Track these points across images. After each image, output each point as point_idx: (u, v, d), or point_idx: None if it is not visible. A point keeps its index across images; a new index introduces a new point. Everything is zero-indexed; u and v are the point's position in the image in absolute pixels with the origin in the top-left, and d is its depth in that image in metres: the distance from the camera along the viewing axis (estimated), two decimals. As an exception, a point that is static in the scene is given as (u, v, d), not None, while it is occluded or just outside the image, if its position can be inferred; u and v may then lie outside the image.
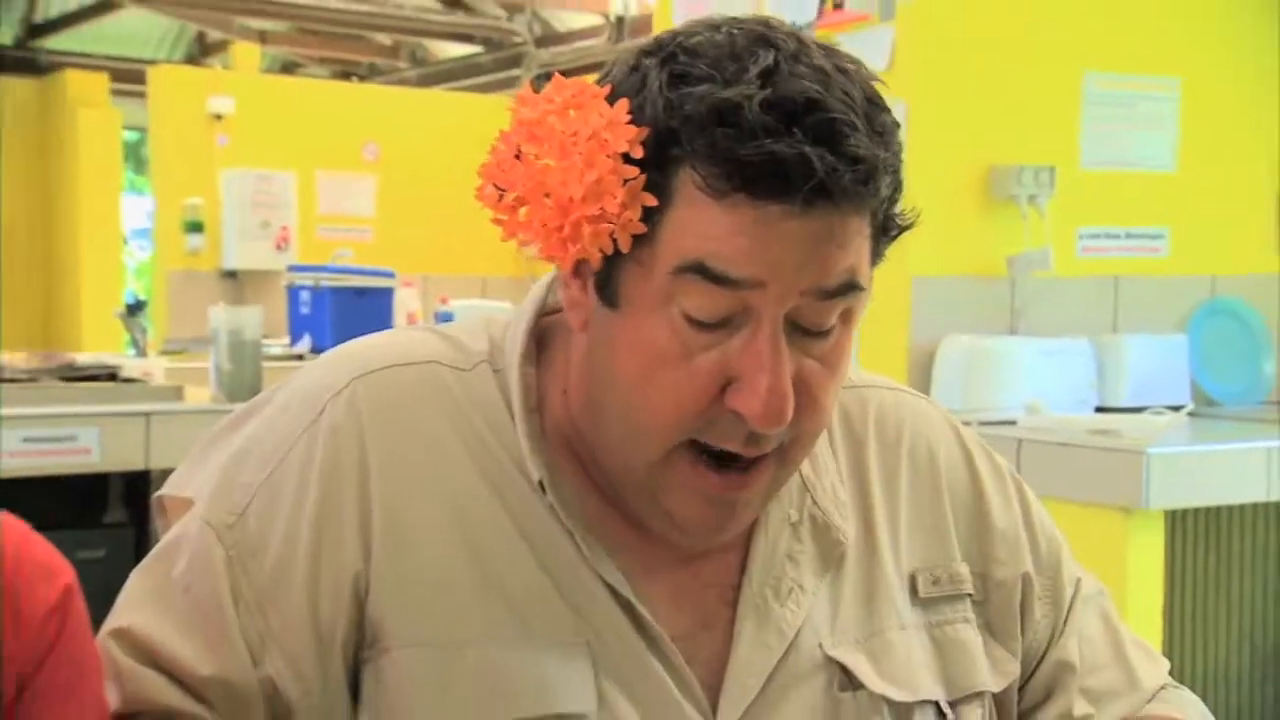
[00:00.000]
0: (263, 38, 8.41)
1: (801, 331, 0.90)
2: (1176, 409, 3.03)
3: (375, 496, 0.96)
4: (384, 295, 5.23)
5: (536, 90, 0.94)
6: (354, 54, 8.86)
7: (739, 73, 0.87)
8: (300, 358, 4.76)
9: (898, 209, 0.93)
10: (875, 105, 0.90)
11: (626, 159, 0.87)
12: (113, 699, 0.94)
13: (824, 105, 0.86)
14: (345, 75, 8.89)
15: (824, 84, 0.87)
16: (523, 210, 0.91)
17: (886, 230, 0.93)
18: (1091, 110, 3.26)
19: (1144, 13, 3.33)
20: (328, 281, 5.23)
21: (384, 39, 8.59)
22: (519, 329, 1.03)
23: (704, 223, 0.87)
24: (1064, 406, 2.97)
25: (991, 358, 3.00)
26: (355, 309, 5.07)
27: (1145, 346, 3.24)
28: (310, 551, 0.95)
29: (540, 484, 0.98)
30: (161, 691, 0.95)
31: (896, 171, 0.91)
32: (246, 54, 8.43)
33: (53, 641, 0.86)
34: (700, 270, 0.87)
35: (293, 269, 5.76)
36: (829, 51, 0.91)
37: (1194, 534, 3.28)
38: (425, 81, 8.49)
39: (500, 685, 0.94)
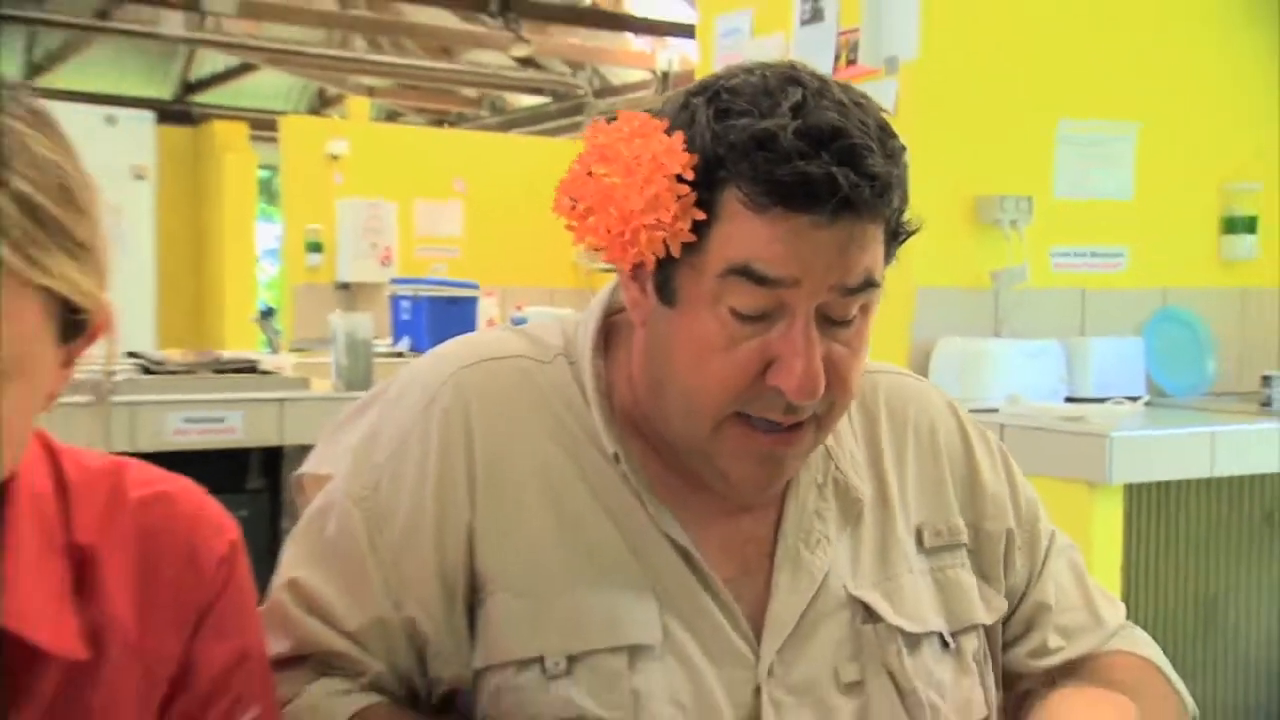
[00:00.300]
0: (371, 92, 8.47)
1: (829, 321, 0.90)
2: (1134, 399, 3.05)
3: (479, 466, 0.97)
4: (470, 303, 5.23)
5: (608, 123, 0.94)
6: (445, 104, 8.90)
7: (773, 107, 0.87)
8: (401, 355, 4.78)
9: (905, 217, 0.93)
10: (886, 131, 0.90)
11: (680, 179, 0.87)
12: (286, 643, 0.96)
13: (846, 132, 0.85)
14: (438, 122, 8.93)
15: (844, 114, 0.87)
16: (591, 218, 0.91)
17: (896, 235, 0.93)
18: (1063, 149, 3.23)
19: (1107, 69, 3.30)
20: (424, 292, 5.22)
21: (470, 92, 8.62)
22: (589, 328, 1.03)
23: (747, 233, 0.87)
24: (1039, 397, 2.95)
25: (979, 356, 2.98)
26: (446, 315, 5.07)
27: (1107, 347, 3.20)
28: (434, 515, 0.96)
29: (615, 456, 0.97)
30: (325, 637, 0.96)
31: (904, 186, 0.91)
32: (358, 105, 8.49)
33: (222, 587, 0.86)
34: (744, 272, 0.87)
35: (395, 281, 5.76)
36: (845, 88, 0.91)
37: (1148, 504, 3.25)
38: (503, 127, 8.53)
39: (582, 622, 0.94)
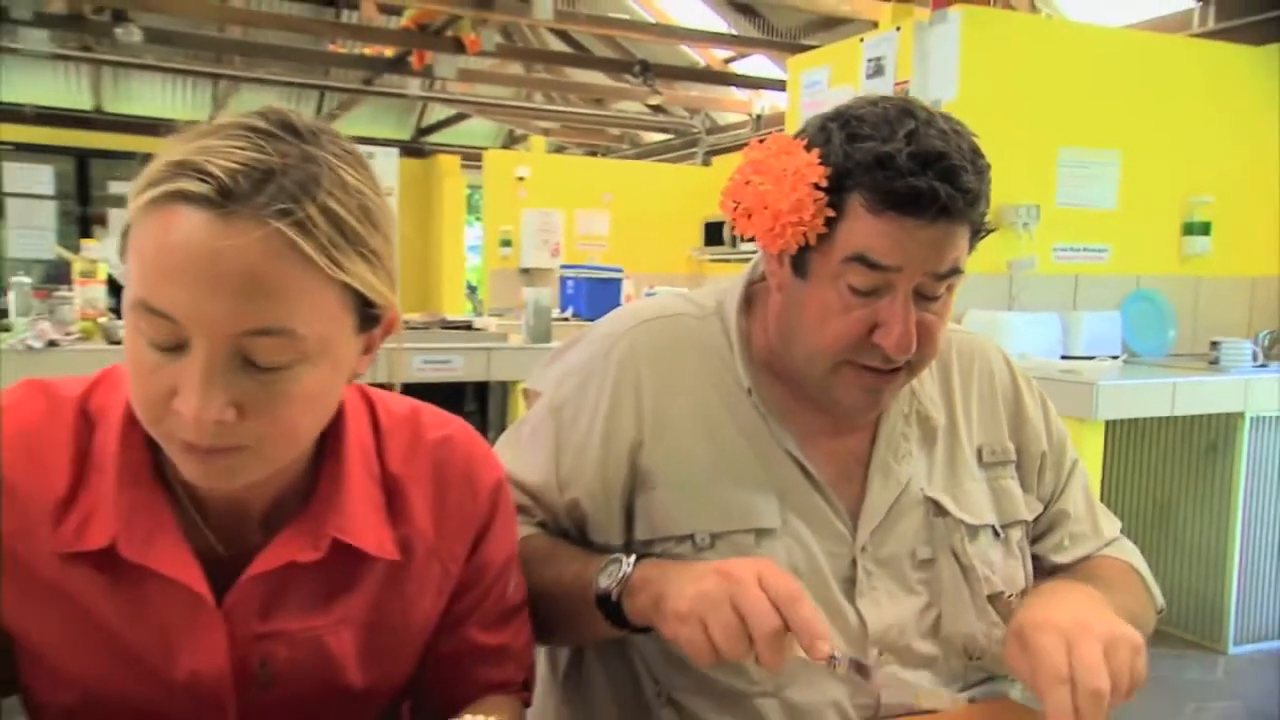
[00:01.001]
0: (546, 132, 8.48)
1: (922, 297, 0.86)
2: (1114, 358, 2.98)
3: (646, 399, 0.94)
4: (616, 283, 5.24)
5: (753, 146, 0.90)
6: (597, 140, 8.88)
7: (891, 134, 0.83)
8: (567, 319, 4.79)
9: (986, 220, 0.88)
10: (977, 153, 0.85)
11: (816, 187, 0.84)
12: None
13: (947, 155, 0.81)
14: (593, 153, 8.92)
15: (946, 141, 0.82)
16: (750, 216, 0.88)
17: (978, 234, 0.88)
18: (1063, 170, 3.13)
19: (1096, 110, 3.18)
20: (583, 275, 5.26)
21: (615, 131, 8.58)
22: (735, 293, 0.99)
23: (865, 229, 0.84)
24: (1042, 355, 2.88)
25: (997, 324, 2.90)
26: (599, 291, 5.09)
27: (1094, 319, 3.10)
28: (603, 433, 0.94)
29: (749, 390, 0.94)
30: (515, 495, 0.94)
31: (988, 196, 0.86)
32: (537, 142, 8.51)
33: (494, 509, 0.81)
34: (861, 259, 0.84)
35: (563, 267, 5.81)
36: (946, 118, 0.86)
37: (1123, 435, 3.18)
38: (639, 157, 8.46)
39: (722, 511, 0.92)
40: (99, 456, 0.70)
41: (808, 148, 0.86)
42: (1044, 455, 1.04)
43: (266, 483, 0.72)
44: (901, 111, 0.85)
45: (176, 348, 0.62)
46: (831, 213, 0.84)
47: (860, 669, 0.79)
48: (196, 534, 0.71)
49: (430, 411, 0.82)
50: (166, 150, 0.63)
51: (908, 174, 0.81)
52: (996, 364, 1.06)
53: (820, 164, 0.84)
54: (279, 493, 0.74)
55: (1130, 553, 1.06)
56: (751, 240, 0.90)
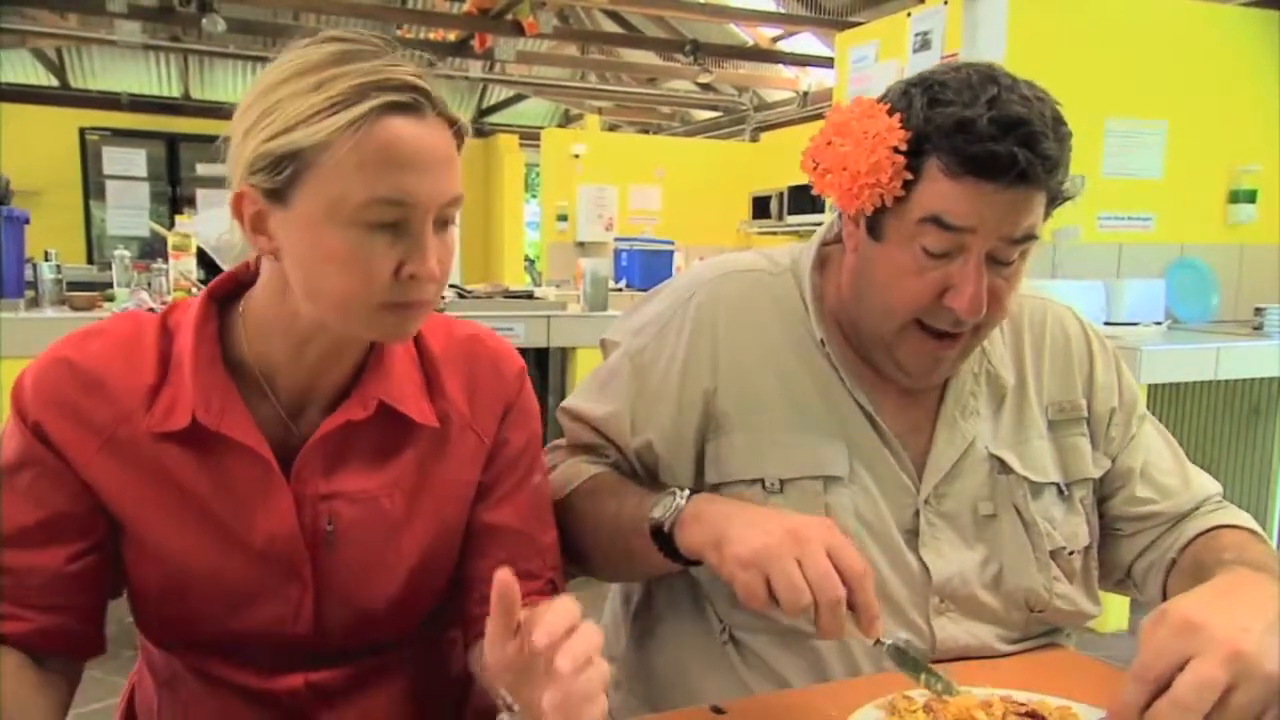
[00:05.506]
0: (600, 111, 8.43)
1: (994, 261, 0.84)
2: (1157, 324, 2.90)
3: (722, 347, 0.94)
4: (667, 255, 5.20)
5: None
6: (649, 118, 8.80)
7: (973, 99, 0.80)
8: (621, 290, 4.77)
9: (1064, 187, 0.84)
10: (1059, 121, 0.81)
11: (895, 150, 0.82)
12: (563, 441, 1.00)
13: (1028, 121, 0.78)
14: (645, 131, 8.83)
15: (1028, 107, 0.79)
16: (828, 176, 0.86)
17: (1054, 201, 0.84)
18: (1110, 140, 3.03)
19: (1143, 80, 3.06)
20: (636, 247, 5.22)
21: (666, 110, 8.49)
22: (809, 254, 0.98)
23: (942, 192, 0.81)
24: (1085, 321, 2.77)
25: (1041, 293, 2.81)
26: (651, 263, 5.06)
27: (1137, 286, 3.01)
28: (678, 379, 0.93)
29: (821, 341, 0.93)
30: (587, 434, 0.96)
31: (1067, 164, 0.82)
32: (592, 120, 8.44)
33: (518, 391, 0.89)
34: (937, 221, 0.81)
35: (617, 240, 5.78)
36: (1029, 85, 0.82)
37: (1166, 398, 3.09)
38: (689, 134, 8.36)
39: (792, 457, 0.91)
40: (178, 358, 0.78)
41: (890, 112, 0.83)
42: (1113, 412, 1.00)
43: (335, 363, 0.81)
44: (985, 77, 0.82)
45: (397, 224, 0.71)
46: (909, 175, 0.82)
47: (900, 657, 0.77)
48: (272, 415, 0.79)
49: (462, 321, 0.91)
50: (309, 88, 0.71)
51: (987, 139, 0.78)
52: (1069, 323, 1.03)
53: (901, 128, 0.82)
54: (342, 378, 0.82)
55: (1244, 518, 0.97)
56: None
